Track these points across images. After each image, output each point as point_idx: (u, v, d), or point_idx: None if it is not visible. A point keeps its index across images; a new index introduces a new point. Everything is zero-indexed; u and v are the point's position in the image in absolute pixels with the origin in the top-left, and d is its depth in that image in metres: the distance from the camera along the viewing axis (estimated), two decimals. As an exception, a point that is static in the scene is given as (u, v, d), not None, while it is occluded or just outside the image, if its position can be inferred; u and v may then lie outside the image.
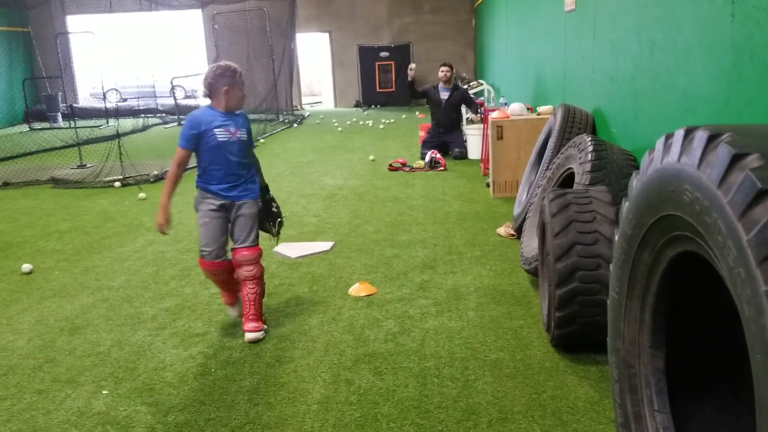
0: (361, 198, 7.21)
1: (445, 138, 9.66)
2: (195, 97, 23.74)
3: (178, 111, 18.40)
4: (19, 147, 12.69)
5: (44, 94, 18.43)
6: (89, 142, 12.81)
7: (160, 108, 20.01)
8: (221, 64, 3.58)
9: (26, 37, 19.61)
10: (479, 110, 9.74)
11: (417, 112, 17.82)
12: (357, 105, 21.26)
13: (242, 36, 18.64)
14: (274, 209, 3.95)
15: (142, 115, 18.74)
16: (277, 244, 3.98)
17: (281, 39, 18.31)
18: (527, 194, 5.36)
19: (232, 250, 3.69)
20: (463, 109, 10.15)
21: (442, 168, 8.78)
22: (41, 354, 3.60)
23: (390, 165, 9.10)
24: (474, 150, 9.32)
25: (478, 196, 7.07)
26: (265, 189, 3.90)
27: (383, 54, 20.68)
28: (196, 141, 3.55)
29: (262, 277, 3.76)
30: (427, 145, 9.55)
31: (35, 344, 3.73)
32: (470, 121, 10.12)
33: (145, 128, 16.33)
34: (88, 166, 10.25)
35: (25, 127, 17.42)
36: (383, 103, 20.78)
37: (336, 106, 21.84)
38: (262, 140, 13.22)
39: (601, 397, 2.87)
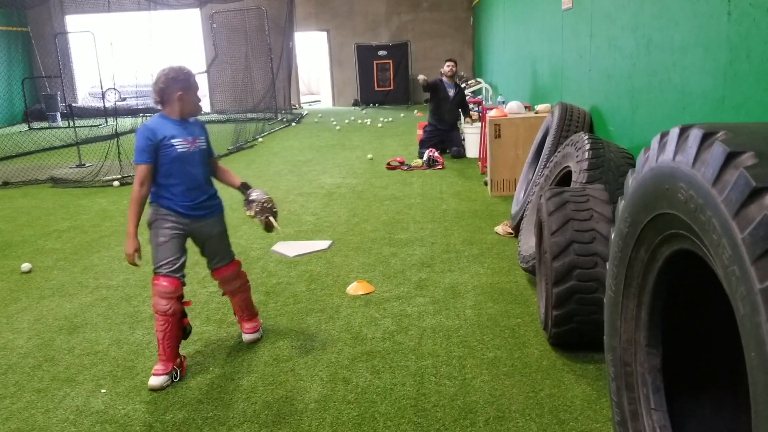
0: (359, 196, 7.21)
1: (444, 137, 9.64)
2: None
3: (176, 110, 18.37)
4: (19, 146, 12.69)
5: (43, 93, 18.43)
6: (88, 141, 12.82)
7: (158, 107, 19.98)
8: (174, 66, 3.22)
9: (25, 36, 19.61)
10: (477, 110, 9.74)
11: (415, 111, 17.83)
12: (355, 103, 21.26)
13: (240, 35, 18.64)
14: (265, 204, 3.45)
15: (141, 115, 18.68)
16: (279, 232, 3.76)
17: (279, 38, 18.31)
18: (525, 192, 5.36)
19: (211, 271, 3.51)
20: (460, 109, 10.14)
21: (440, 167, 8.78)
22: (40, 353, 3.60)
23: (388, 164, 9.10)
24: (472, 148, 9.32)
25: (476, 194, 7.08)
26: (246, 185, 3.54)
27: (381, 52, 20.68)
28: (155, 153, 3.15)
29: (247, 278, 3.67)
30: (425, 143, 9.54)
31: (34, 343, 3.73)
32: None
33: (143, 127, 16.31)
34: (87, 165, 10.25)
35: (24, 127, 17.43)
36: (381, 102, 20.78)
37: (334, 104, 21.84)
38: (260, 139, 13.22)
39: (599, 396, 2.88)
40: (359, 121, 15.90)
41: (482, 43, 17.22)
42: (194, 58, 21.28)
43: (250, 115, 16.27)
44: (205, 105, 20.98)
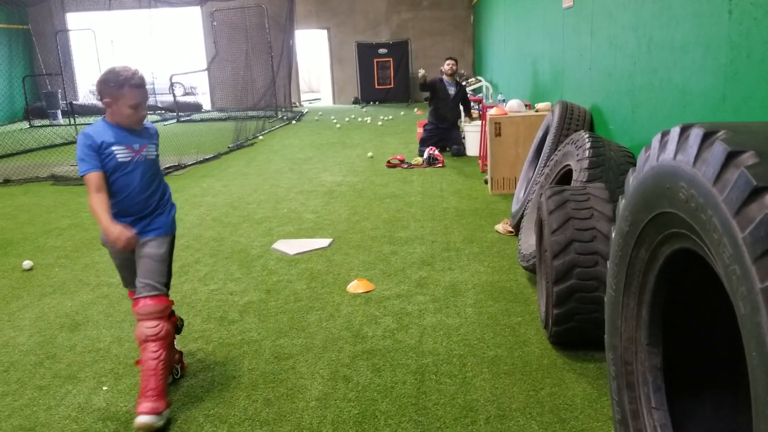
0: (359, 195, 7.21)
1: (444, 135, 9.64)
2: (194, 94, 23.75)
3: (177, 108, 18.40)
4: (20, 144, 12.69)
5: (44, 91, 18.42)
6: (88, 139, 12.78)
7: (159, 105, 20.02)
8: (115, 68, 2.80)
9: (26, 34, 19.60)
10: (477, 108, 9.74)
11: (415, 109, 17.82)
12: (355, 102, 21.26)
13: (241, 33, 18.63)
14: None
15: (141, 112, 18.72)
16: None
17: (280, 36, 18.30)
18: (525, 191, 5.37)
19: (133, 300, 2.99)
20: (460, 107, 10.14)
21: (440, 165, 8.79)
22: (42, 350, 3.61)
23: (388, 162, 9.10)
24: (472, 147, 9.32)
25: (476, 192, 7.08)
26: None
27: (382, 51, 20.68)
28: (99, 159, 2.78)
29: (171, 338, 2.97)
30: (425, 142, 9.54)
31: (36, 340, 3.74)
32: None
33: (144, 125, 16.32)
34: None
35: (25, 124, 17.43)
36: (382, 100, 20.78)
37: (334, 102, 21.84)
38: (260, 137, 13.22)
39: (599, 394, 2.89)
40: (359, 119, 15.90)
41: (483, 41, 17.22)
42: (195, 56, 21.32)
43: (250, 113, 16.27)
44: (206, 103, 21.01)
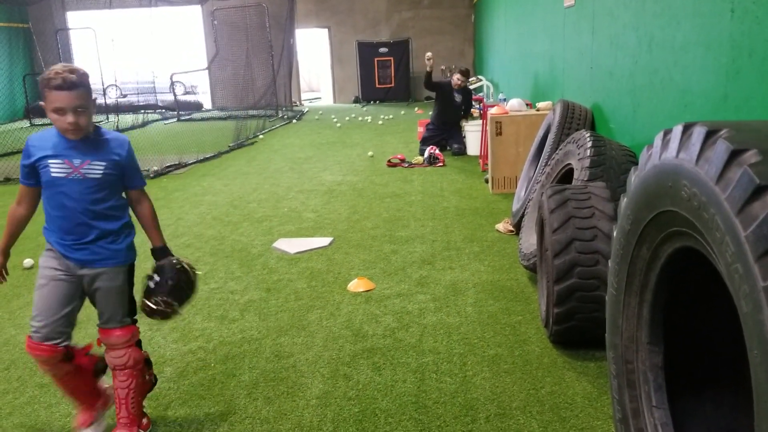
0: (359, 194, 7.21)
1: (446, 134, 9.65)
2: (195, 93, 23.75)
3: (177, 107, 18.41)
4: (20, 143, 12.67)
5: (44, 89, 18.38)
6: (89, 137, 12.79)
7: (159, 104, 20.03)
8: (55, 67, 2.44)
9: (26, 33, 19.60)
10: (478, 107, 9.75)
11: (416, 108, 17.82)
12: (356, 101, 21.25)
13: (241, 32, 18.63)
14: (180, 282, 2.73)
15: (142, 111, 18.75)
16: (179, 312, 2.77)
17: (280, 35, 18.29)
18: (526, 190, 5.36)
19: (99, 330, 2.73)
20: None
21: (440, 164, 8.78)
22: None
23: (389, 161, 9.09)
24: (473, 146, 9.32)
25: (477, 192, 7.08)
26: (160, 251, 2.79)
27: (382, 50, 20.66)
28: (35, 173, 2.54)
29: (141, 365, 2.74)
30: (426, 141, 9.54)
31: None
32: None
33: (144, 124, 16.36)
34: (87, 161, 10.25)
35: (25, 123, 17.42)
36: (382, 99, 20.76)
37: (335, 102, 21.83)
38: (261, 136, 13.22)
39: (600, 393, 2.88)
40: (360, 119, 15.89)
41: (483, 40, 17.21)
42: (195, 55, 21.31)
43: (250, 112, 16.27)
44: (207, 102, 21.01)
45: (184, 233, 5.83)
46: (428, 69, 9.25)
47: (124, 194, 2.68)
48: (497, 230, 5.50)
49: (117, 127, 10.60)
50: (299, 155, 10.42)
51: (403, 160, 9.02)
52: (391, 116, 16.11)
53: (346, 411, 2.84)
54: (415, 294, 4.15)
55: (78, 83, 2.40)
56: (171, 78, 18.74)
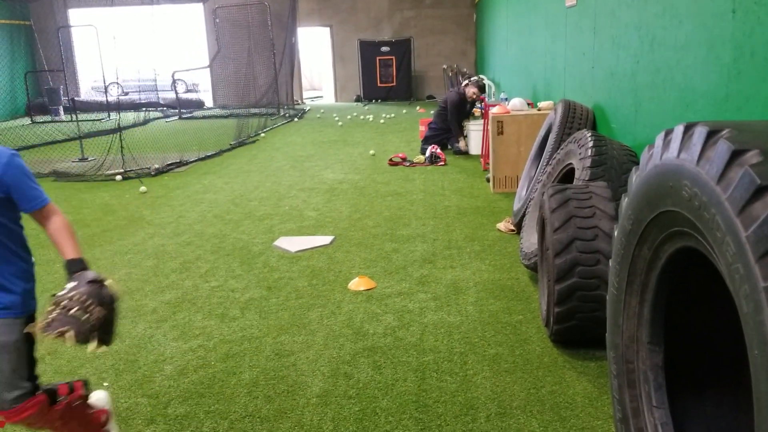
0: (361, 192, 7.21)
1: (447, 134, 9.66)
2: (197, 91, 23.75)
3: (179, 105, 18.41)
4: (21, 140, 12.69)
5: (46, 87, 18.43)
6: (91, 135, 12.85)
7: (161, 102, 20.03)
8: None
9: (28, 30, 19.62)
10: (480, 106, 9.75)
11: (418, 107, 17.81)
12: (358, 99, 21.26)
13: (243, 30, 18.63)
14: (95, 299, 2.11)
15: (144, 109, 18.76)
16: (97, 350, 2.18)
17: (282, 33, 18.29)
18: (527, 189, 5.36)
19: None
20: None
21: (442, 163, 8.78)
22: (42, 346, 3.60)
23: (390, 160, 9.09)
24: (474, 145, 9.32)
25: (478, 191, 7.07)
26: (74, 263, 2.25)
27: (384, 49, 20.65)
28: None
29: (71, 412, 2.31)
30: (428, 140, 9.55)
31: (36, 337, 3.74)
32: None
33: (146, 122, 16.37)
34: (89, 159, 10.27)
35: (27, 120, 17.42)
36: (384, 98, 20.76)
37: (337, 100, 21.83)
38: (262, 134, 13.22)
39: (600, 393, 2.88)
40: (361, 117, 15.89)
41: (485, 39, 17.20)
42: (197, 53, 21.32)
43: (252, 111, 16.28)
44: (208, 100, 21.02)
45: (185, 231, 5.83)
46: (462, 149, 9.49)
47: (21, 222, 2.20)
48: (498, 229, 5.49)
49: (118, 124, 10.55)
50: (301, 154, 10.42)
51: (404, 159, 9.02)
52: (392, 115, 16.11)
53: (346, 410, 2.84)
54: (415, 293, 4.15)
55: None
56: (173, 76, 18.74)
